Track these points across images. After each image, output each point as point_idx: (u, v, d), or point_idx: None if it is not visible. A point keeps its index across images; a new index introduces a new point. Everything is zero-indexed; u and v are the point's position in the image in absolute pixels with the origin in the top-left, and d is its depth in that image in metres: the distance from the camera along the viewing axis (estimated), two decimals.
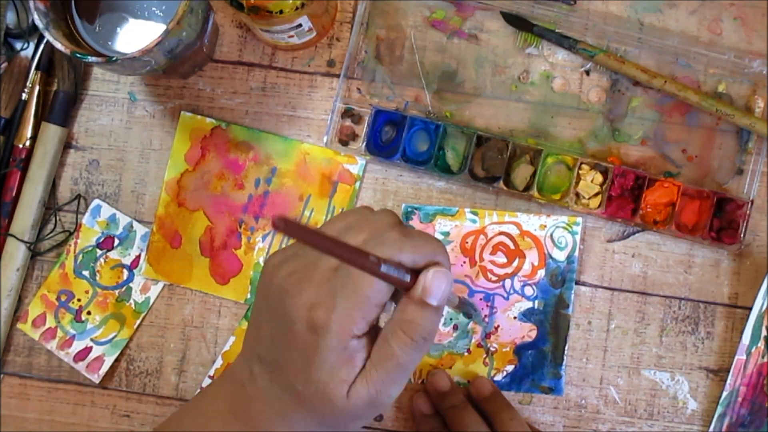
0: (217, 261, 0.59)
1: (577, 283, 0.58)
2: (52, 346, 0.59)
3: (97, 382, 0.59)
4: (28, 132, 0.60)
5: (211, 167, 0.59)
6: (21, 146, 0.60)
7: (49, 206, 0.60)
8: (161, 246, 0.59)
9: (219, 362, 0.59)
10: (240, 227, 0.59)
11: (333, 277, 0.38)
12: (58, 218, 0.60)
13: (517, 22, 0.58)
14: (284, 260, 0.40)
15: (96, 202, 0.60)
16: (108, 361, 0.59)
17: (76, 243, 0.60)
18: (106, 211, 0.60)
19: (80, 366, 0.59)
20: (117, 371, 0.60)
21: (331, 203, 0.59)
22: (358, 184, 0.58)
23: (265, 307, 0.41)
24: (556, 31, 0.57)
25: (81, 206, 0.60)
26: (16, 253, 0.59)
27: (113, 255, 0.60)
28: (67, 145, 0.60)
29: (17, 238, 0.59)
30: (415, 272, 0.38)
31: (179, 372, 0.59)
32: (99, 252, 0.60)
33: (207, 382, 0.59)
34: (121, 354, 0.60)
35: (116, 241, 0.60)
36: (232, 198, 0.59)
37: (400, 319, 0.38)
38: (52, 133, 0.59)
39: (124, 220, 0.60)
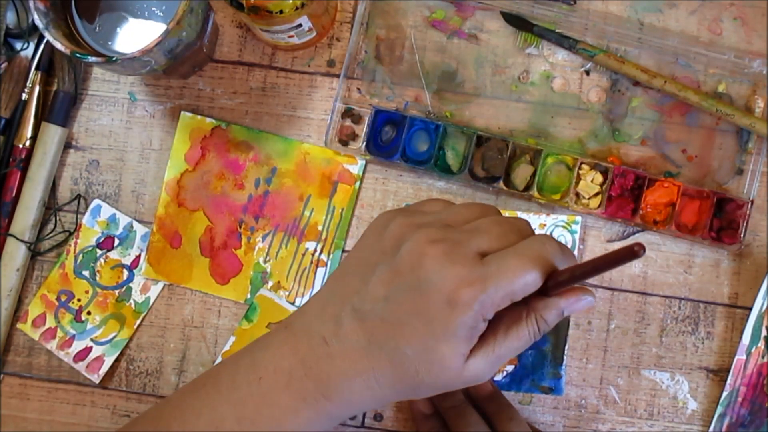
0: (217, 261, 0.59)
1: None
2: (52, 346, 0.59)
3: (97, 382, 0.59)
4: (28, 132, 0.60)
5: (211, 167, 0.59)
6: (21, 146, 0.60)
7: (49, 206, 0.60)
8: (161, 246, 0.59)
9: (219, 361, 0.59)
10: (240, 227, 0.59)
11: (485, 263, 0.40)
12: (58, 218, 0.60)
13: (517, 22, 0.58)
14: (417, 224, 0.42)
15: (96, 202, 0.60)
16: (108, 361, 0.59)
17: (76, 243, 0.60)
18: (106, 211, 0.60)
19: (80, 366, 0.59)
20: (117, 371, 0.60)
21: (331, 203, 0.59)
22: (358, 184, 0.58)
23: (384, 265, 0.41)
24: (556, 31, 0.57)
25: (81, 206, 0.60)
26: (16, 253, 0.59)
27: (113, 255, 0.60)
28: (67, 145, 0.60)
29: (17, 238, 0.59)
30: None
31: (179, 372, 0.59)
32: (99, 252, 0.60)
33: None
34: (121, 354, 0.60)
35: (116, 241, 0.60)
36: (232, 198, 0.59)
37: (538, 314, 0.41)
38: (52, 133, 0.59)
39: (124, 220, 0.60)
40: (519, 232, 0.42)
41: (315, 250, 0.59)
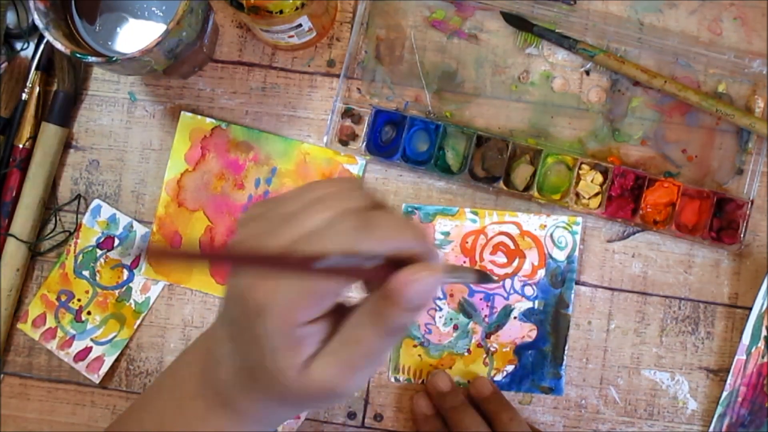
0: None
1: (577, 283, 0.58)
2: (52, 346, 0.59)
3: (97, 382, 0.59)
4: (28, 132, 0.60)
5: (211, 167, 0.59)
6: (21, 146, 0.59)
7: (49, 206, 0.60)
8: (161, 246, 0.59)
9: None
10: None
11: None
12: (58, 218, 0.60)
13: (517, 22, 0.58)
14: (242, 231, 0.37)
15: (96, 202, 0.60)
16: (108, 361, 0.59)
17: (76, 243, 0.60)
18: (106, 211, 0.60)
19: (80, 366, 0.59)
20: (117, 371, 0.60)
21: None
22: None
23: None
24: (556, 31, 0.57)
25: (81, 206, 0.60)
26: (16, 253, 0.59)
27: (113, 255, 0.60)
28: (67, 145, 0.60)
29: (17, 238, 0.59)
30: (394, 262, 0.34)
31: None
32: (99, 252, 0.60)
33: None
34: (121, 354, 0.60)
35: (116, 241, 0.60)
36: (232, 198, 0.59)
37: (370, 310, 0.35)
38: (52, 133, 0.59)
39: (124, 220, 0.60)
40: (329, 207, 0.34)
41: None
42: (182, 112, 0.59)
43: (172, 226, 0.59)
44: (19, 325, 0.60)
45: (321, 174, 0.59)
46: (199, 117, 0.59)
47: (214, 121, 0.59)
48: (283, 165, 0.59)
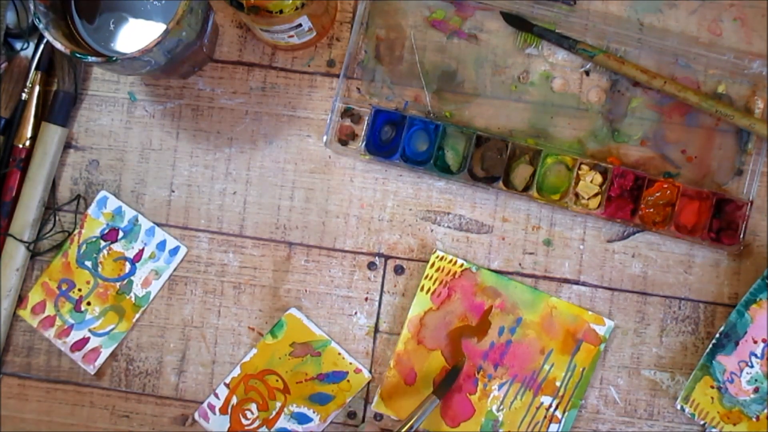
0: (450, 403, 0.58)
1: (578, 283, 0.58)
2: (50, 334, 0.59)
3: (93, 373, 0.59)
4: (28, 132, 0.60)
5: (456, 308, 0.58)
6: (21, 146, 0.60)
7: (49, 206, 0.60)
8: (395, 381, 0.58)
9: (237, 371, 0.59)
10: (477, 373, 0.58)
11: None
12: (57, 218, 0.60)
13: (517, 22, 0.58)
14: None
15: (102, 193, 0.60)
16: (104, 353, 0.59)
17: (80, 233, 0.60)
18: (112, 203, 0.60)
19: (77, 356, 0.59)
20: (116, 371, 0.60)
21: (572, 361, 0.57)
22: (603, 345, 0.57)
23: None
24: (556, 31, 0.57)
25: (81, 206, 0.60)
26: (16, 253, 0.59)
27: (117, 247, 0.60)
28: (67, 145, 0.60)
29: (16, 239, 0.59)
30: None
31: (179, 372, 0.59)
32: (103, 243, 0.60)
33: (222, 389, 0.59)
34: (121, 354, 0.60)
35: (120, 234, 0.60)
36: (473, 343, 0.58)
37: None
38: (52, 133, 0.59)
39: (129, 213, 0.60)
40: None
41: (550, 405, 0.57)
42: (436, 251, 0.58)
43: (409, 363, 0.58)
44: (19, 311, 0.60)
45: (565, 330, 0.57)
46: (450, 257, 0.58)
47: (465, 263, 0.58)
48: (529, 316, 0.58)
